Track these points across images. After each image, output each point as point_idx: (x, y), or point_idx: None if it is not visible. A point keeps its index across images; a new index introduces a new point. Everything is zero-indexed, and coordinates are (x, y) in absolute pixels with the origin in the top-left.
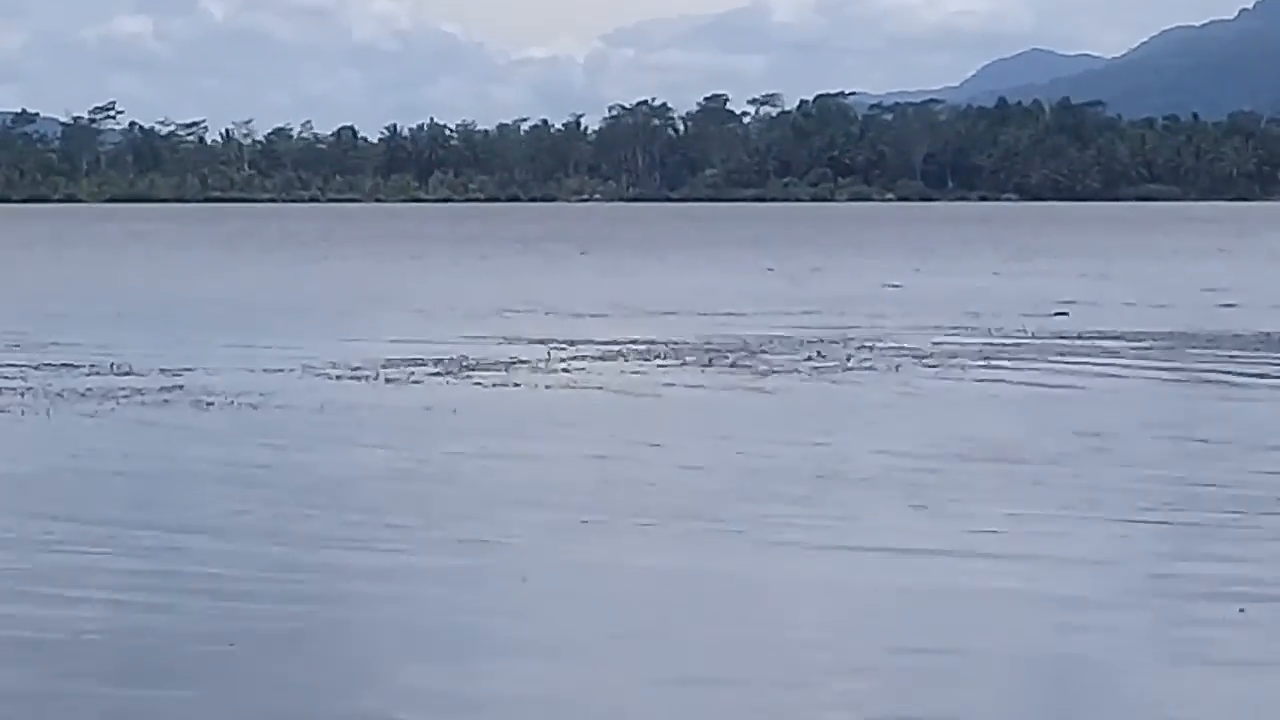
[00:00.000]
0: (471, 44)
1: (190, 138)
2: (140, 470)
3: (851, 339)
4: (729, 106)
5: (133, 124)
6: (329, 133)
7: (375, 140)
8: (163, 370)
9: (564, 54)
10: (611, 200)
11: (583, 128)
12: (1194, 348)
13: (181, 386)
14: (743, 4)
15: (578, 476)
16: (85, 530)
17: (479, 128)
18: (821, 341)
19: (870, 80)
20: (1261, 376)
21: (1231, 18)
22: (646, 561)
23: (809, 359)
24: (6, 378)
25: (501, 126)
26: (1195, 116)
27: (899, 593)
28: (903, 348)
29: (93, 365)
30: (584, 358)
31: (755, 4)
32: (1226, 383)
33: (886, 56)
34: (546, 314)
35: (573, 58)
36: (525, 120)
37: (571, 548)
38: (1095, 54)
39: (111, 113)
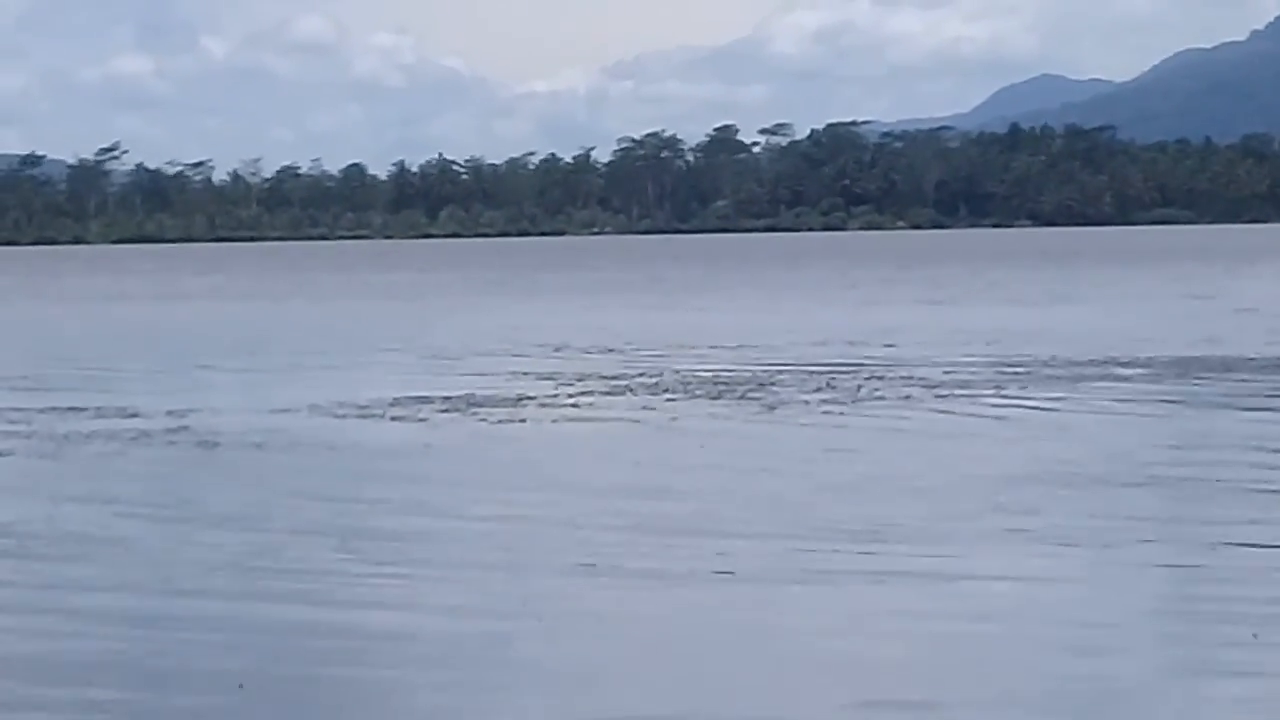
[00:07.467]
0: (474, 78)
1: (198, 178)
2: (145, 512)
3: (862, 369)
4: (739, 137)
5: (139, 165)
6: (336, 170)
7: (384, 177)
8: (169, 412)
9: (566, 87)
10: (622, 233)
11: (592, 161)
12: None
13: (188, 427)
14: (741, 34)
15: (581, 517)
16: (93, 572)
17: (487, 162)
18: (832, 373)
19: (876, 108)
20: None
21: (1243, 39)
22: (654, 610)
23: (818, 390)
24: (12, 421)
25: (510, 161)
26: (1208, 140)
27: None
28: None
29: (99, 408)
30: (592, 393)
31: (754, 34)
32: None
33: (891, 84)
34: (556, 350)
35: (574, 90)
36: (534, 154)
37: (580, 591)
38: (1106, 78)
39: (117, 154)
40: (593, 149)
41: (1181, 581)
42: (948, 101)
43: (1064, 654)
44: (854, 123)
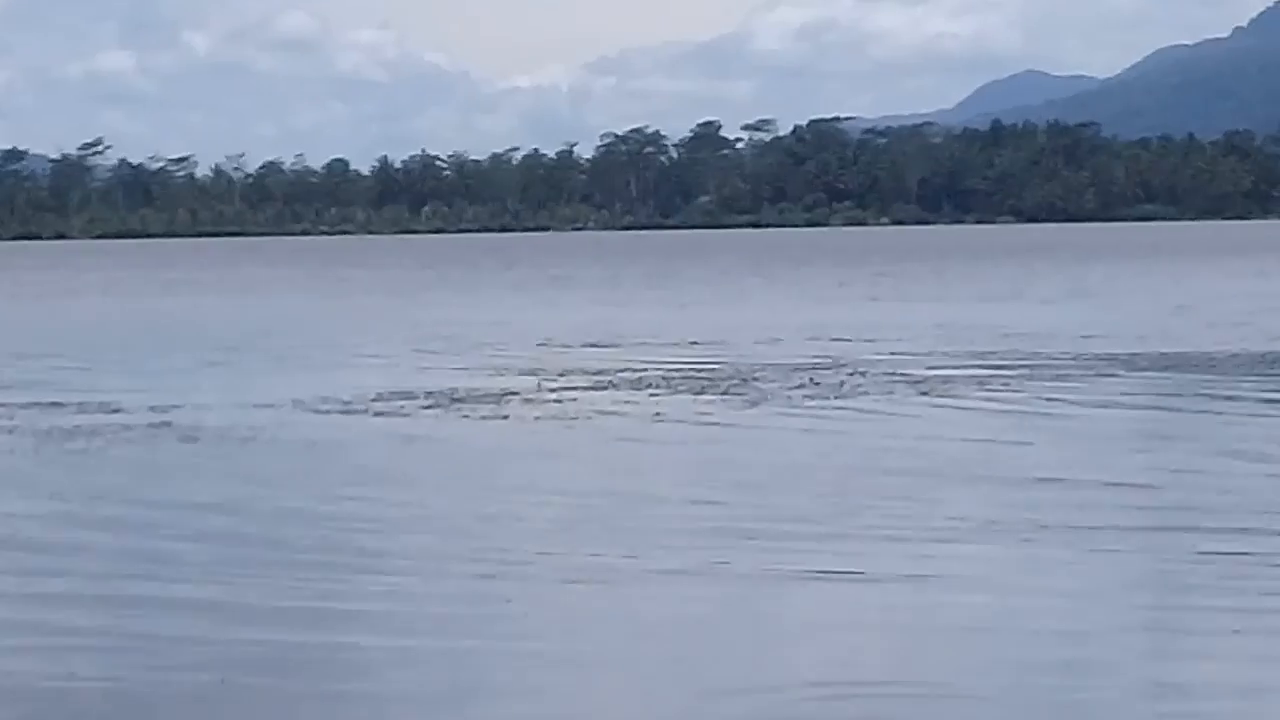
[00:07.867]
0: (458, 74)
1: (181, 173)
2: (126, 509)
3: (844, 364)
4: (722, 133)
5: (122, 160)
6: (319, 165)
7: (367, 172)
8: (151, 407)
9: (549, 82)
10: (605, 229)
11: (575, 156)
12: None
13: (170, 423)
14: (725, 31)
15: (558, 514)
16: (73, 569)
17: (470, 158)
18: (814, 368)
19: (859, 104)
20: None
21: (1225, 36)
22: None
23: (801, 386)
24: None
25: (494, 156)
26: (1190, 136)
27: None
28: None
29: (80, 403)
30: (575, 388)
31: (737, 31)
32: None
33: (875, 81)
34: (538, 345)
35: (557, 86)
36: (516, 149)
37: (562, 588)
38: (1089, 75)
39: (100, 149)
40: (576, 145)
41: (1155, 589)
42: (931, 98)
43: (1028, 664)
44: (837, 119)
